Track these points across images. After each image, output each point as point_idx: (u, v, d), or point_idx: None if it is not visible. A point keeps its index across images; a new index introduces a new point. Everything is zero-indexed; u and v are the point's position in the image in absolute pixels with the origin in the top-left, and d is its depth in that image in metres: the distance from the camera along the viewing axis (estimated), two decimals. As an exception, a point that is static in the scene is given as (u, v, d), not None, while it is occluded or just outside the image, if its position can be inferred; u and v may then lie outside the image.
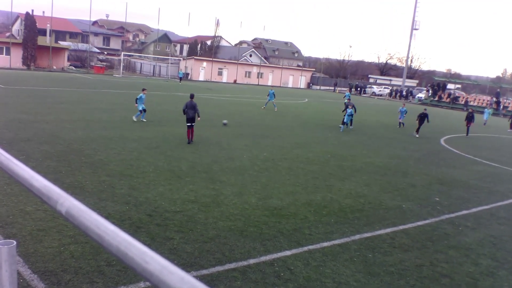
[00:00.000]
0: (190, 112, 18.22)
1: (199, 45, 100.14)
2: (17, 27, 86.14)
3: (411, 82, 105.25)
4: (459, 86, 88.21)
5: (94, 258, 7.41)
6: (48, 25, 71.67)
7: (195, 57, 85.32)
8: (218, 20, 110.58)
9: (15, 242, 1.75)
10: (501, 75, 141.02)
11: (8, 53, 63.98)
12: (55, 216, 8.90)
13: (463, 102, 66.44)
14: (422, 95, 78.59)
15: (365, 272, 8.02)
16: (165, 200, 10.84)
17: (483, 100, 69.20)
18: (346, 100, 45.86)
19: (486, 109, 46.31)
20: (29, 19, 64.89)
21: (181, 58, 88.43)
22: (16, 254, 1.77)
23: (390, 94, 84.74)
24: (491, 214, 12.69)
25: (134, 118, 23.05)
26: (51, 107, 25.44)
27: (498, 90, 72.80)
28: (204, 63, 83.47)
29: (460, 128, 34.60)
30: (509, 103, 65.61)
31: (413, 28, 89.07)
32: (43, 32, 72.12)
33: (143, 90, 23.60)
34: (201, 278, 7.07)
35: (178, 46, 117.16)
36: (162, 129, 21.12)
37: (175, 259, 7.63)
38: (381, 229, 10.44)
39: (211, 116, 28.07)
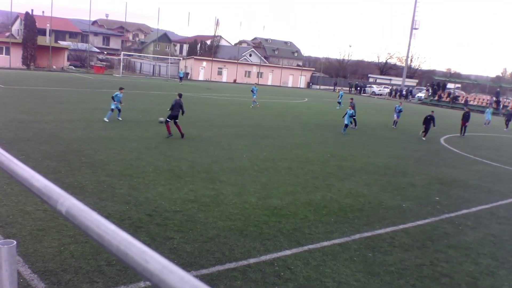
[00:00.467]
0: (176, 109, 19.19)
1: (199, 44, 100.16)
2: (16, 27, 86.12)
3: (411, 82, 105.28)
4: (459, 85, 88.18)
5: (94, 257, 7.41)
6: (48, 25, 71.70)
7: (195, 57, 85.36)
8: (217, 20, 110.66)
9: (15, 242, 1.75)
10: (501, 75, 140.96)
11: (8, 53, 64.00)
12: (55, 216, 8.90)
13: (463, 102, 66.40)
14: (422, 94, 78.63)
15: (365, 272, 8.02)
16: (165, 200, 10.84)
17: (483, 99, 69.24)
18: (342, 100, 46.21)
19: (487, 109, 46.18)
20: (28, 19, 64.92)
21: (181, 58, 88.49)
22: (16, 254, 1.77)
23: (390, 94, 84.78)
24: (491, 213, 12.69)
25: (106, 119, 22.20)
26: (51, 107, 25.44)
27: (498, 89, 72.83)
28: (204, 63, 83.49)
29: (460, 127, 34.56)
30: (509, 103, 65.59)
31: (412, 28, 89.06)
32: (43, 32, 72.15)
33: (121, 89, 23.85)
34: (201, 278, 7.07)
35: (178, 45, 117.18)
36: (161, 129, 21.09)
37: (175, 259, 7.63)
38: (381, 228, 10.44)
39: (211, 116, 28.11)
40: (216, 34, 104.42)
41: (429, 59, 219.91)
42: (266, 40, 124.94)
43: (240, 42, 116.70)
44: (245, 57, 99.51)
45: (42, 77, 49.21)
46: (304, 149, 19.58)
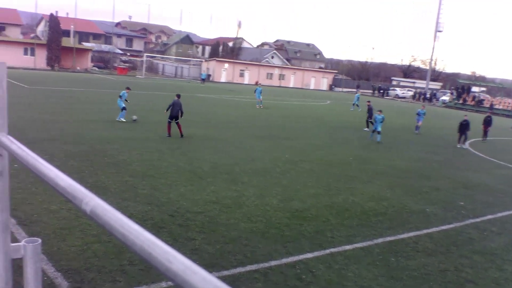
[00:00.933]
0: (175, 110, 19.41)
1: (221, 46, 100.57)
2: (41, 28, 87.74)
3: (435, 85, 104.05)
4: (484, 89, 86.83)
5: (117, 257, 7.46)
6: (72, 26, 72.87)
7: (217, 59, 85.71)
8: (240, 22, 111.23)
9: (40, 240, 1.76)
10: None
11: (33, 53, 65.20)
12: (79, 215, 9.00)
13: (488, 105, 65.33)
14: (446, 98, 77.59)
15: (387, 276, 7.90)
16: (187, 200, 10.87)
17: (509, 103, 67.99)
18: (357, 102, 45.63)
19: None
20: (53, 21, 66.02)
21: (203, 60, 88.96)
22: (40, 252, 1.78)
23: (413, 97, 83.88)
24: (518, 219, 12.42)
25: (122, 119, 22.56)
26: (75, 108, 25.81)
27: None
28: (226, 65, 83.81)
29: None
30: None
31: (437, 30, 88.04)
32: (67, 33, 73.34)
33: (127, 88, 23.98)
34: (222, 279, 7.04)
35: (200, 47, 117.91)
36: (184, 130, 21.21)
37: (196, 260, 7.63)
38: (404, 233, 10.29)
39: (233, 118, 28.19)
40: (238, 36, 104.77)
41: (453, 62, 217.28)
42: (288, 42, 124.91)
43: (262, 44, 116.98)
44: (267, 59, 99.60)
45: (66, 78, 50.01)
46: (326, 151, 19.47)
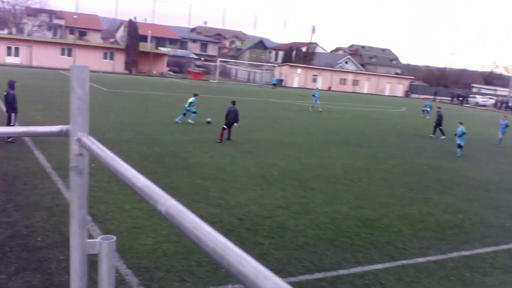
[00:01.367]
0: (231, 117, 18.99)
1: (294, 51, 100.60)
2: (120, 33, 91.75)
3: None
4: None
5: (185, 257, 7.62)
6: (150, 31, 75.71)
7: (290, 64, 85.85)
8: (314, 27, 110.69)
9: (114, 238, 1.82)
10: None
11: (112, 58, 68.31)
12: (151, 214, 9.29)
13: None
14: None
15: (462, 293, 7.54)
16: (256, 205, 10.93)
17: None
18: (431, 109, 43.99)
19: None
20: (132, 26, 68.94)
21: (276, 65, 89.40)
22: (115, 249, 1.84)
23: (495, 105, 79.87)
24: None
25: (191, 121, 23.63)
26: (150, 110, 26.73)
27: None
28: (299, 70, 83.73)
29: None
30: None
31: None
32: (144, 38, 76.30)
33: (195, 94, 24.34)
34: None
35: (273, 52, 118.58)
36: (254, 134, 21.41)
37: (264, 265, 7.63)
38: (481, 247, 9.79)
39: (304, 123, 28.08)
40: (311, 41, 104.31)
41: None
42: (363, 47, 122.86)
43: (336, 49, 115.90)
44: (340, 64, 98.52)
45: (142, 82, 51.94)
46: (400, 160, 18.93)
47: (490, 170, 18.97)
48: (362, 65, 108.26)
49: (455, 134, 22.09)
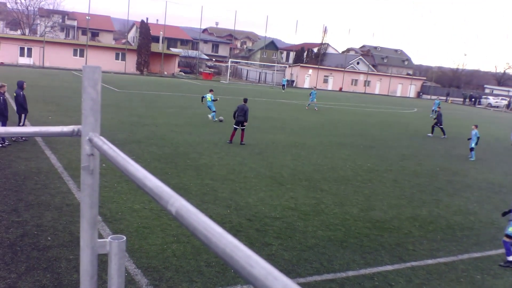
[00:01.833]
0: (239, 115, 18.64)
1: (306, 52, 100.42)
2: (132, 34, 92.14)
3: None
4: None
5: (194, 258, 7.64)
6: (161, 32, 75.94)
7: (301, 65, 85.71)
8: (325, 27, 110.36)
9: (124, 238, 1.83)
10: None
11: (123, 58, 68.60)
12: (160, 215, 9.34)
13: None
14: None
15: (473, 296, 7.49)
16: (265, 206, 10.94)
17: None
18: (436, 108, 43.96)
19: None
20: (143, 27, 69.23)
21: (287, 66, 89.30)
22: (124, 249, 1.85)
23: (507, 106, 79.11)
24: None
25: (214, 118, 24.73)
26: (161, 111, 26.82)
27: None
28: (310, 71, 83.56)
29: None
30: None
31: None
32: (156, 39, 76.54)
33: (211, 90, 25.25)
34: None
35: (284, 53, 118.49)
36: (265, 135, 21.40)
37: (272, 266, 7.64)
38: (492, 249, 9.73)
39: (315, 124, 28.02)
40: (323, 42, 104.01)
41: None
42: (375, 48, 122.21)
43: (348, 50, 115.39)
44: (352, 65, 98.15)
45: (153, 82, 52.12)
46: (411, 161, 18.82)
47: (502, 172, 18.81)
48: (374, 66, 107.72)
49: (469, 139, 21.70)
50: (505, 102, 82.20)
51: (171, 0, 75.72)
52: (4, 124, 14.43)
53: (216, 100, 25.07)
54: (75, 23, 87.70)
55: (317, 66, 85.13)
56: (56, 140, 15.32)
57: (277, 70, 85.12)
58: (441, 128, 28.00)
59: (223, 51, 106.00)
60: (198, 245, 7.96)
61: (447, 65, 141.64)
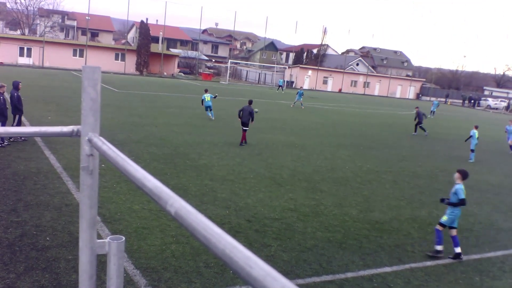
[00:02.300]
0: (245, 116, 18.72)
1: (305, 53, 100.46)
2: (132, 34, 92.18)
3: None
4: None
5: (193, 259, 7.64)
6: (161, 33, 75.96)
7: (301, 66, 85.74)
8: (325, 29, 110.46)
9: (123, 238, 1.83)
10: None
11: (123, 59, 68.58)
12: (159, 215, 9.33)
13: None
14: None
15: (472, 297, 7.49)
16: (265, 206, 10.93)
17: None
18: (435, 109, 45.26)
19: None
20: (143, 27, 69.23)
21: (287, 66, 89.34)
22: (124, 250, 1.85)
23: (507, 108, 79.16)
24: None
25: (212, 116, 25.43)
26: (160, 111, 26.81)
27: None
28: (309, 72, 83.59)
29: None
30: None
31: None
32: (155, 40, 76.55)
33: (206, 90, 26.15)
34: (297, 288, 7.01)
35: (284, 54, 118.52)
36: (264, 136, 21.40)
37: (271, 266, 7.64)
38: (491, 251, 9.73)
39: (315, 125, 28.03)
40: (323, 43, 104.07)
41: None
42: (375, 49, 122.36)
43: (348, 51, 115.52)
44: (351, 66, 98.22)
45: (153, 83, 52.11)
46: (411, 162, 18.83)
47: (501, 173, 18.82)
48: (373, 67, 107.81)
49: (467, 139, 21.72)
50: (504, 104, 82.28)
51: (171, 0, 75.63)
52: (3, 124, 14.42)
53: (216, 96, 26.06)
54: (74, 23, 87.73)
55: (316, 67, 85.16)
56: (55, 140, 15.31)
57: (276, 71, 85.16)
58: (421, 127, 28.93)
59: (222, 51, 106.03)
60: (197, 246, 7.95)
61: (447, 67, 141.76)
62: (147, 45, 68.57)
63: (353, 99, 62.84)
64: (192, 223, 1.07)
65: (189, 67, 79.83)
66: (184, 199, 1.16)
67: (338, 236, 9.55)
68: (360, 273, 7.90)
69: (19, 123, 15.75)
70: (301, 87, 47.24)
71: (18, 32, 76.79)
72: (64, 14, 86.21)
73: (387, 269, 8.18)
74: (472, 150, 21.17)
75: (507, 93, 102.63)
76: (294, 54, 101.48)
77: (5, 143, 14.41)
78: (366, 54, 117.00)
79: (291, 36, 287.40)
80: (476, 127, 21.82)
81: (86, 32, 74.28)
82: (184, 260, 7.59)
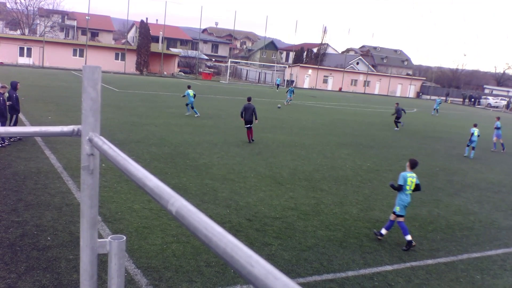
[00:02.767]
0: (248, 114, 18.96)
1: (305, 52, 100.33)
2: (132, 34, 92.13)
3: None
4: None
5: (194, 258, 7.64)
6: (161, 32, 75.94)
7: (301, 65, 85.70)
8: (325, 28, 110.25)
9: (124, 238, 1.83)
10: None
11: (123, 58, 68.56)
12: (160, 215, 9.34)
13: None
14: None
15: (473, 296, 7.49)
16: (265, 205, 10.94)
17: None
18: (438, 107, 46.17)
19: None
20: (143, 27, 69.19)
21: (287, 66, 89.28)
22: (124, 249, 1.85)
23: (507, 106, 79.14)
24: None
25: (194, 114, 26.13)
26: (161, 111, 26.81)
27: None
28: (310, 71, 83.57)
29: None
30: None
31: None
32: (155, 39, 76.51)
33: (188, 87, 27.18)
34: (298, 287, 7.02)
35: (284, 53, 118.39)
36: (264, 135, 21.39)
37: (272, 265, 7.64)
38: (491, 249, 9.73)
39: (315, 124, 28.02)
40: (323, 42, 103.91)
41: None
42: (375, 48, 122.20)
43: (348, 50, 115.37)
44: (352, 65, 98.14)
45: (153, 82, 52.09)
46: (410, 161, 18.79)
47: (502, 172, 18.82)
48: (374, 66, 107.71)
49: (470, 140, 21.52)
50: (504, 102, 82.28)
51: (171, 0, 75.52)
52: (3, 125, 14.42)
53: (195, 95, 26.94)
54: (74, 23, 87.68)
55: (316, 66, 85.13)
56: (56, 140, 15.32)
57: (276, 70, 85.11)
58: (395, 121, 30.12)
59: (222, 51, 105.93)
60: (198, 245, 7.96)
61: (447, 65, 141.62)
62: (147, 44, 68.53)
63: (353, 98, 62.82)
64: (193, 222, 1.07)
65: (189, 67, 79.79)
66: (185, 198, 1.17)
67: (339, 234, 9.55)
68: (361, 271, 7.91)
69: (16, 123, 15.75)
70: (292, 84, 48.19)
71: (18, 32, 76.76)
72: (64, 14, 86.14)
73: (388, 268, 8.19)
74: (473, 147, 21.31)
75: (508, 91, 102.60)
76: (294, 53, 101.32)
77: (5, 143, 14.42)
78: (366, 53, 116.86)
79: (291, 35, 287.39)
80: (475, 125, 21.87)
81: (86, 32, 74.21)
82: (185, 259, 7.59)
